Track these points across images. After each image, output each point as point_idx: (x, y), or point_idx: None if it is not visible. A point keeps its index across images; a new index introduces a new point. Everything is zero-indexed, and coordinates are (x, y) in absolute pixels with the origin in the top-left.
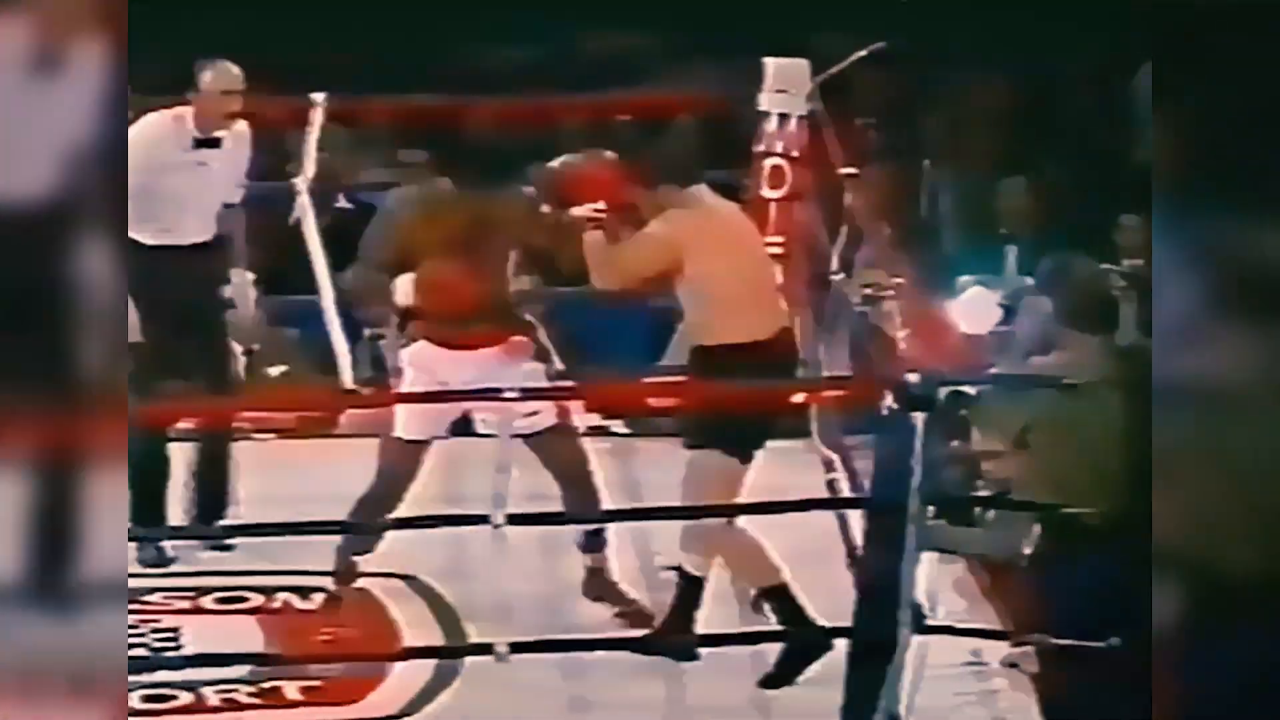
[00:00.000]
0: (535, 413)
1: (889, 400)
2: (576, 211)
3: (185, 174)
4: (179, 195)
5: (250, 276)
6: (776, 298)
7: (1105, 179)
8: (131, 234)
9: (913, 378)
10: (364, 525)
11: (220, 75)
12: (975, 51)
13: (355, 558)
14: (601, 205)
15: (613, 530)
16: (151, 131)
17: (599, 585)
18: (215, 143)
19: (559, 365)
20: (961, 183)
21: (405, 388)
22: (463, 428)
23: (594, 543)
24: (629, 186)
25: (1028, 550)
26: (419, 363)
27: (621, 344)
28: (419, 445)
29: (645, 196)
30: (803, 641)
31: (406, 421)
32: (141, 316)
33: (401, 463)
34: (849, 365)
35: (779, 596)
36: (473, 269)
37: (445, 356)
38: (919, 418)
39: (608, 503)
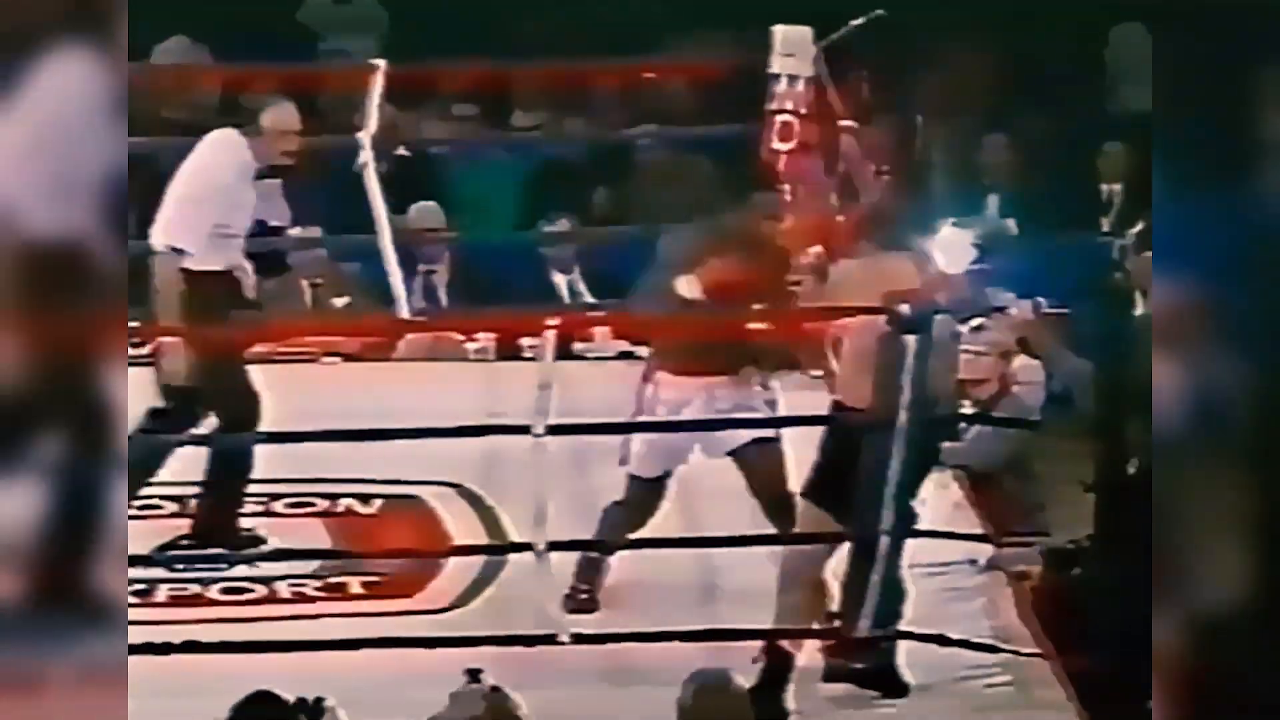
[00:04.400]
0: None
1: (884, 324)
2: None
3: (246, 208)
4: (240, 222)
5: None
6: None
7: (1085, 132)
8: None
9: (904, 307)
10: (604, 543)
11: (283, 115)
12: (963, 19)
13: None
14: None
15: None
16: (220, 172)
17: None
18: (270, 174)
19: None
20: (949, 137)
21: (643, 414)
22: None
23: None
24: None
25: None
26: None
27: None
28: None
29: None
30: None
31: (642, 461)
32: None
33: (645, 498)
34: None
35: None
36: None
37: (676, 383)
38: (910, 340)
39: None
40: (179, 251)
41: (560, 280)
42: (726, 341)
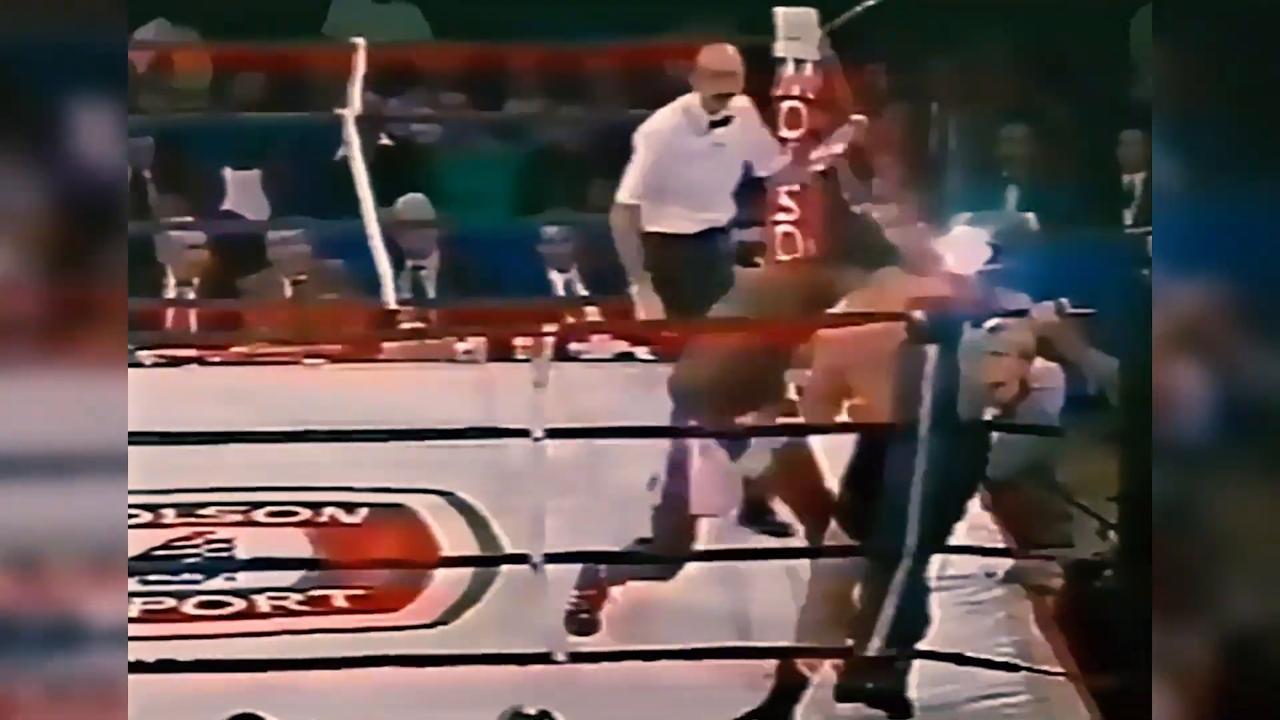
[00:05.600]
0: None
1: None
2: None
3: (706, 159)
4: (704, 180)
5: None
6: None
7: (1105, 121)
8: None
9: (920, 314)
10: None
11: (716, 55)
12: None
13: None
14: None
15: None
16: (665, 126)
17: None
18: (726, 121)
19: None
20: (967, 125)
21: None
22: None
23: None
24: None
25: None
26: None
27: None
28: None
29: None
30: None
31: (699, 499)
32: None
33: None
34: None
35: None
36: None
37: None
38: (930, 349)
39: None
40: (631, 206)
41: (557, 279)
42: None
